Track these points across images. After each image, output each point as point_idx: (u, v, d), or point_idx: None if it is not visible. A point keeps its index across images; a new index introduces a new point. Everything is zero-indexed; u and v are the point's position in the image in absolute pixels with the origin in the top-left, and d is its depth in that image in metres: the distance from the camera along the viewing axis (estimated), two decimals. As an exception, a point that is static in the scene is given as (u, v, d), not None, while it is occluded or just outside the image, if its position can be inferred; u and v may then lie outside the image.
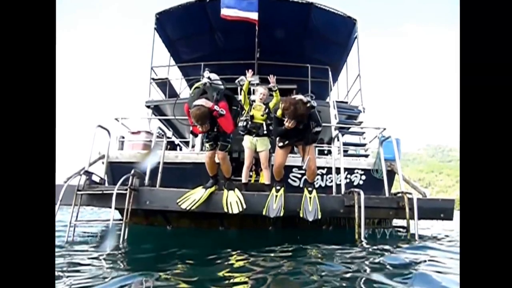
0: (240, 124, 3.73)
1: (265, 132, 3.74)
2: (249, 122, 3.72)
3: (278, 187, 3.26)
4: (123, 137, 4.68)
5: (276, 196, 3.19)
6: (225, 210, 3.08)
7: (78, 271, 1.59)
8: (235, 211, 3.05)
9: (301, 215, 3.10)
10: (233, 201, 3.13)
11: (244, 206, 3.06)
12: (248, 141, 3.71)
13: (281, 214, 3.06)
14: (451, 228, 4.99)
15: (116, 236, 2.71)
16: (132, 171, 3.20)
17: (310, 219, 3.03)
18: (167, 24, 6.34)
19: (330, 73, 5.84)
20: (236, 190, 3.24)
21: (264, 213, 3.10)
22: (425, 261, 1.96)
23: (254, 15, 5.59)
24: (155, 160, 3.60)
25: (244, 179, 3.74)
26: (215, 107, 2.75)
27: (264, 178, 3.76)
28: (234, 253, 2.19)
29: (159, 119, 5.86)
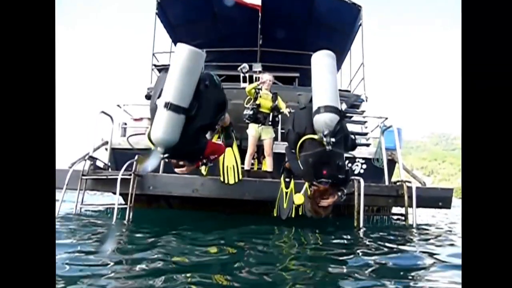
0: (246, 112, 3.72)
1: (270, 123, 3.75)
2: (256, 111, 3.70)
3: (287, 179, 2.99)
4: (125, 124, 4.71)
5: (286, 193, 3.00)
6: (221, 179, 2.94)
7: (82, 254, 1.65)
8: (231, 181, 2.94)
9: (274, 214, 2.98)
10: (230, 165, 2.96)
11: (241, 177, 2.94)
12: (253, 129, 3.71)
13: (293, 215, 2.91)
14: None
15: (116, 238, 2.60)
16: (136, 157, 3.25)
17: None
18: (169, 9, 6.23)
19: (333, 61, 5.76)
20: (235, 147, 2.93)
21: (275, 214, 3.03)
22: (421, 248, 2.01)
23: (257, 1, 5.48)
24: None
25: (246, 166, 3.77)
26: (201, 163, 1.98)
27: (267, 166, 3.80)
28: (234, 239, 2.24)
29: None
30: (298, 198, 2.15)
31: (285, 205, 2.99)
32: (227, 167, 2.97)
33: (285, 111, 3.88)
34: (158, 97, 1.56)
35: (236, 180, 2.95)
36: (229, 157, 2.99)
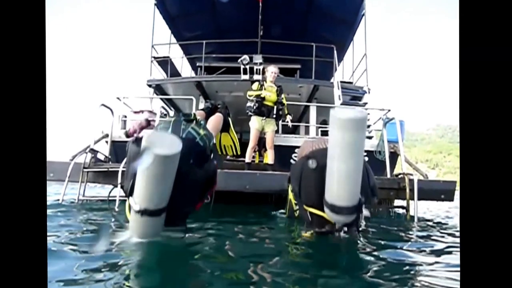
0: (249, 104, 3.69)
1: (274, 116, 3.73)
2: (260, 104, 3.65)
3: None
4: (125, 117, 4.71)
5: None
6: (219, 152, 2.85)
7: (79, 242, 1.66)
8: (229, 153, 2.86)
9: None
10: (227, 144, 2.87)
11: (239, 152, 2.86)
12: (256, 122, 3.68)
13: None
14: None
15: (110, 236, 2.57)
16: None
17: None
18: (168, 1, 6.17)
19: (335, 52, 5.68)
20: (232, 130, 2.75)
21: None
22: (420, 242, 1.99)
23: (258, -9, 5.40)
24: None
25: (247, 159, 3.76)
26: None
27: (268, 158, 3.79)
28: (229, 230, 2.24)
29: (161, 98, 5.85)
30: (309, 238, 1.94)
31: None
32: (224, 145, 2.87)
33: (288, 118, 3.89)
34: (131, 186, 1.30)
35: (235, 153, 2.88)
36: (226, 139, 2.88)
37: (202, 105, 5.71)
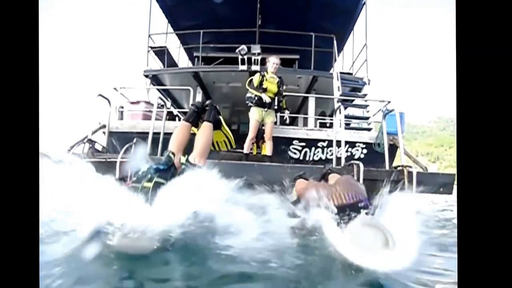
0: (250, 95, 3.65)
1: (275, 107, 3.71)
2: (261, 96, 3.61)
3: None
4: (122, 107, 4.67)
5: None
6: (212, 148, 2.81)
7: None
8: (223, 148, 2.84)
9: None
10: (220, 140, 2.79)
11: (234, 145, 2.81)
12: (257, 113, 3.66)
13: None
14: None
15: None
16: (134, 140, 3.24)
17: None
18: (165, -12, 6.05)
19: (335, 42, 5.59)
20: (224, 127, 2.64)
21: None
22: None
23: (256, -21, 5.29)
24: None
25: (246, 150, 3.74)
26: None
27: (267, 150, 3.77)
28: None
29: (158, 89, 5.81)
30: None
31: None
32: (217, 142, 2.83)
33: (286, 113, 3.87)
34: None
35: (229, 147, 2.86)
36: (218, 136, 2.82)
37: (199, 97, 5.66)
